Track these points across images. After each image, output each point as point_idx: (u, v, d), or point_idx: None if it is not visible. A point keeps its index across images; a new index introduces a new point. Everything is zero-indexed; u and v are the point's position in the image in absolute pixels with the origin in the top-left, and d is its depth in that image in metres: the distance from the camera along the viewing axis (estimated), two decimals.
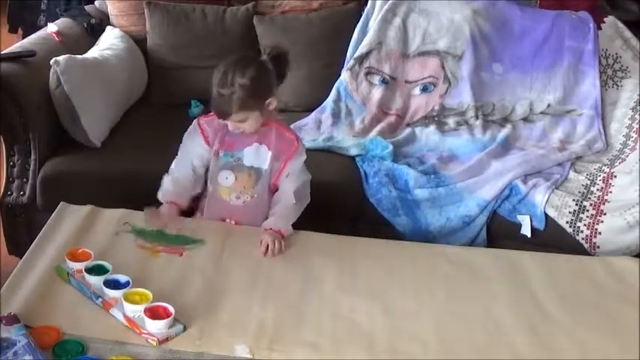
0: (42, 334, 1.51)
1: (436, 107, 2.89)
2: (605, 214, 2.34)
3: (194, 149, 2.06)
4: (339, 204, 2.44)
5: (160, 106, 2.91)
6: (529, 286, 1.86)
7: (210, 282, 1.78)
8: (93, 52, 2.75)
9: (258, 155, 2.03)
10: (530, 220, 2.38)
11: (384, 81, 2.92)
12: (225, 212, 2.08)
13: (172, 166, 2.08)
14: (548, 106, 2.89)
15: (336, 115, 2.85)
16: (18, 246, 2.49)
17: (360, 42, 2.95)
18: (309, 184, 2.09)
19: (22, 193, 2.46)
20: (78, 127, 2.45)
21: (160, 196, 2.04)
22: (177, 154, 2.08)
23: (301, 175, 2.06)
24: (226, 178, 2.05)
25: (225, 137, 2.03)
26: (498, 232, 2.45)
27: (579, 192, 2.46)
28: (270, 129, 2.03)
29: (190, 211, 2.14)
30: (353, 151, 2.61)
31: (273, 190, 2.09)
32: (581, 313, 1.76)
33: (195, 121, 2.08)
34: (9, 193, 2.47)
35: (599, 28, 2.95)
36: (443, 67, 2.92)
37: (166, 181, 2.05)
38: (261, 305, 1.70)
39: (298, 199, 2.04)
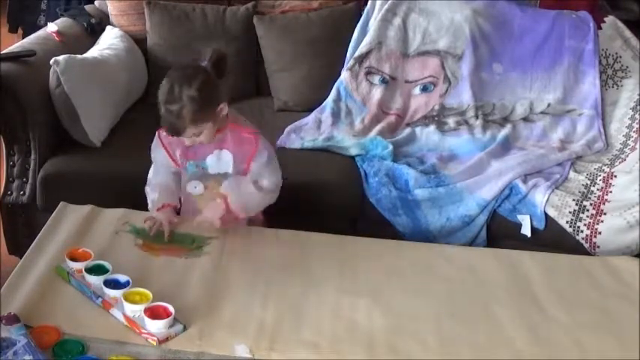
0: (42, 334, 1.51)
1: (436, 107, 2.89)
2: (605, 213, 2.34)
3: (163, 159, 2.06)
4: (339, 204, 2.44)
5: None
6: (529, 286, 1.86)
7: (210, 282, 1.78)
8: (93, 52, 2.75)
9: (220, 161, 2.01)
10: (530, 220, 2.38)
11: (384, 81, 2.92)
12: None
13: (149, 175, 2.09)
14: (548, 105, 2.88)
15: (336, 115, 2.85)
16: (18, 246, 2.49)
17: (360, 42, 2.94)
18: (279, 186, 2.03)
19: (22, 193, 2.46)
20: (78, 126, 2.45)
21: (150, 207, 2.05)
22: None
23: (272, 176, 2.02)
24: (195, 187, 2.06)
25: (186, 148, 2.00)
26: (498, 232, 2.45)
27: (579, 192, 2.46)
28: (225, 133, 1.98)
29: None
30: (353, 151, 2.61)
31: None
32: (581, 313, 1.77)
33: (156, 134, 2.05)
34: (9, 193, 2.47)
35: (599, 28, 2.95)
36: (443, 67, 2.91)
37: (149, 192, 2.07)
38: (261, 305, 1.70)
39: (262, 190, 1.99)
